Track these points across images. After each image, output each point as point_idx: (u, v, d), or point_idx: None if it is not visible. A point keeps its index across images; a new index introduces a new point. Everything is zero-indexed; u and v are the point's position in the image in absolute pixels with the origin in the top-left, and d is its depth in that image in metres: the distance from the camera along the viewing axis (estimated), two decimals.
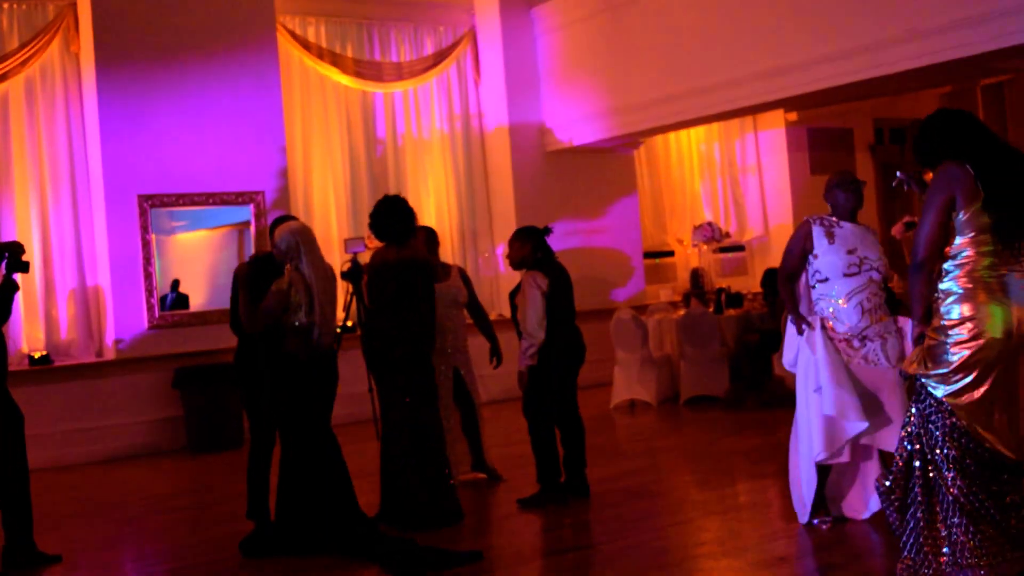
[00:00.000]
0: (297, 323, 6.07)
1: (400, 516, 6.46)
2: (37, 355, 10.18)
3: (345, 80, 12.35)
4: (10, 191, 10.52)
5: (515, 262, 7.09)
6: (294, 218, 6.69)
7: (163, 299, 10.82)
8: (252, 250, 11.14)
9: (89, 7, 10.56)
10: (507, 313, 9.17)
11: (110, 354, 10.57)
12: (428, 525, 6.35)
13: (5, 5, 10.61)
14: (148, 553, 6.73)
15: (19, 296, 10.27)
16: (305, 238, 6.20)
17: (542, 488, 6.91)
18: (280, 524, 6.23)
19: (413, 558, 5.69)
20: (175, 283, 10.98)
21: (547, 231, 7.10)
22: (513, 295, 7.25)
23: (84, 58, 10.78)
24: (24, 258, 6.33)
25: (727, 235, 14.46)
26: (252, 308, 6.12)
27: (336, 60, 12.30)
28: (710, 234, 13.98)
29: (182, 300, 10.99)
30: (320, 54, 12.20)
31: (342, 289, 7.65)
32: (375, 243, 6.97)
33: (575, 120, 12.83)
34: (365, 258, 7.74)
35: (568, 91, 12.94)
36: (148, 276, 10.63)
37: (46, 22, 10.73)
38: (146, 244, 10.64)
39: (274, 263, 6.25)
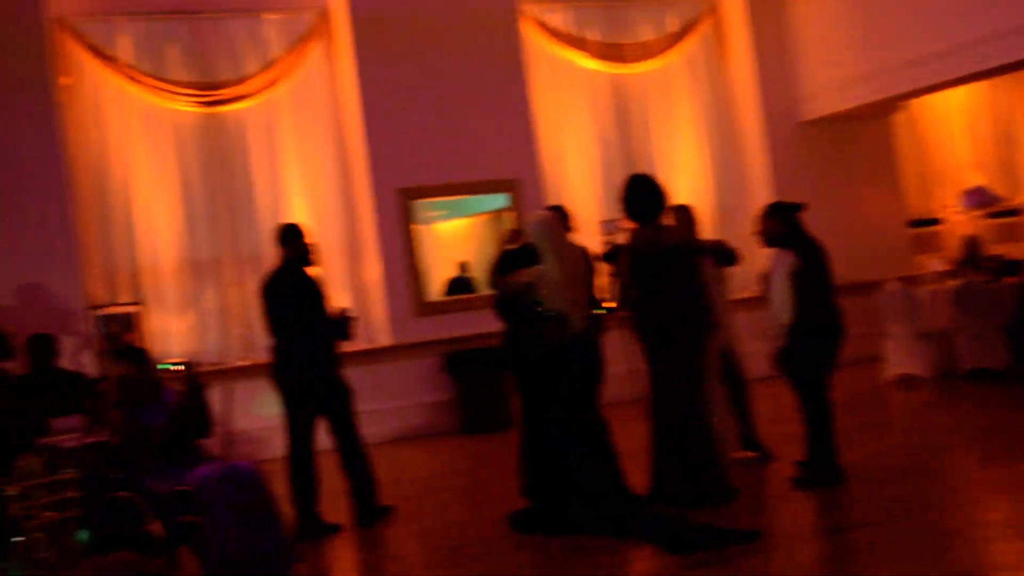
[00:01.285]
0: (549, 311, 6.23)
1: (671, 495, 6.47)
2: None
3: (591, 64, 12.44)
4: (282, 191, 11.17)
5: (764, 239, 6.96)
6: (561, 209, 6.87)
7: (452, 281, 11.35)
8: (509, 237, 11.40)
9: (347, 12, 11.09)
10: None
11: (383, 341, 11.08)
12: (699, 504, 6.33)
13: (267, 16, 11.26)
14: (427, 529, 7.02)
15: None
16: (551, 228, 6.35)
17: (816, 466, 6.75)
18: (549, 503, 6.37)
19: (688, 535, 5.68)
20: (463, 265, 11.48)
21: (797, 207, 6.92)
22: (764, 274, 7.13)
23: (344, 61, 11.32)
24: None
25: (1001, 199, 13.63)
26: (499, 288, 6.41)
27: (581, 44, 12.41)
28: (982, 198, 13.21)
29: (467, 283, 11.46)
30: (565, 39, 12.34)
31: (603, 271, 7.72)
32: (630, 224, 7.00)
33: (829, 88, 12.42)
34: (622, 239, 7.79)
35: (820, 58, 12.54)
36: (413, 265, 11.09)
37: (305, 29, 11.33)
38: (409, 234, 11.10)
39: (528, 251, 6.43)
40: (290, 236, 7.15)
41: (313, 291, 7.06)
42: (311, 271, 7.12)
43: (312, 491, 6.93)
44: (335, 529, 6.92)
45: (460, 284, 11.63)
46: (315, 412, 7.03)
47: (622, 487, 6.38)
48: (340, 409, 7.09)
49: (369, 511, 7.09)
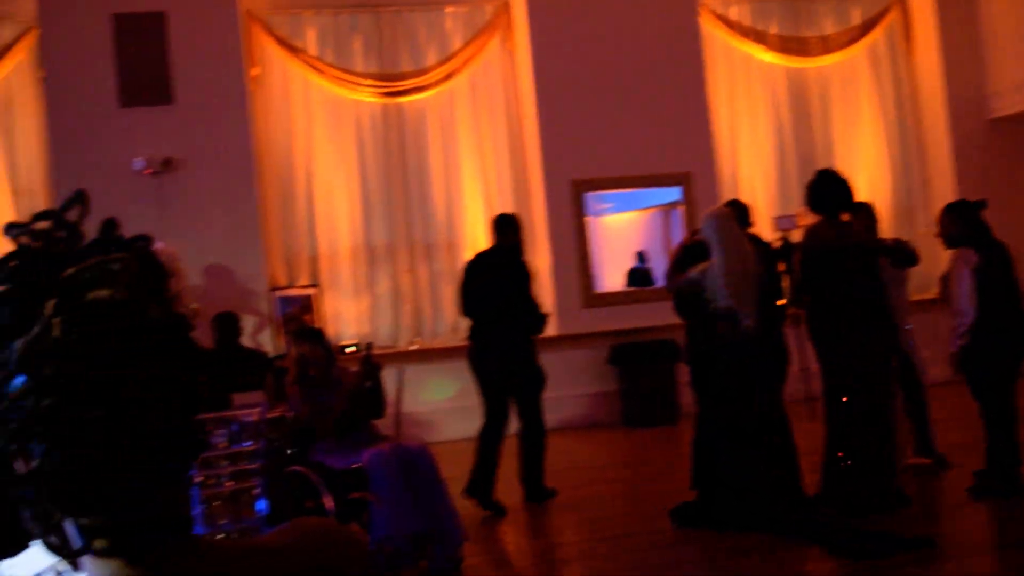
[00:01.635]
0: (719, 308, 6.19)
1: (843, 499, 6.32)
2: None
3: (770, 57, 12.23)
4: (456, 180, 11.36)
5: (945, 239, 6.73)
6: (739, 204, 6.82)
7: (631, 271, 11.42)
8: (681, 231, 11.36)
9: (525, 5, 11.20)
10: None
11: (550, 331, 11.15)
12: (872, 510, 6.17)
13: (448, 9, 11.47)
14: (589, 519, 7.06)
15: None
16: (722, 223, 6.30)
17: (995, 476, 6.49)
18: (715, 498, 6.33)
19: (859, 540, 5.56)
20: (640, 255, 11.51)
21: (980, 204, 6.67)
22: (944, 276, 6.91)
23: (521, 52, 11.44)
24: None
25: None
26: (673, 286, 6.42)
27: (761, 38, 12.20)
28: None
29: (645, 274, 11.49)
30: (744, 33, 12.16)
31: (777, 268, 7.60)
32: (805, 221, 6.87)
33: (1021, 84, 11.87)
34: (796, 236, 7.66)
35: (1012, 53, 11.99)
36: (583, 257, 11.13)
37: (484, 22, 11.50)
38: (580, 226, 11.14)
39: (703, 250, 6.40)
40: (504, 225, 7.61)
41: (520, 279, 7.46)
42: (518, 261, 7.54)
43: (492, 471, 7.32)
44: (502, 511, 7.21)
45: (639, 275, 11.66)
46: (508, 395, 7.41)
47: (795, 487, 6.29)
48: (532, 394, 7.46)
49: (537, 490, 7.45)
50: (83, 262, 1.11)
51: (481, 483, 7.28)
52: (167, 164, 10.27)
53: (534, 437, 7.47)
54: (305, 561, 1.24)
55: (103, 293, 1.07)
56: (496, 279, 7.43)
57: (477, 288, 7.44)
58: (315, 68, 11.06)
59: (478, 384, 7.49)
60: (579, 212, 11.20)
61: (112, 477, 1.08)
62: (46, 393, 1.04)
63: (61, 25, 10.38)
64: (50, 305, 1.07)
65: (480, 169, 11.42)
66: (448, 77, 11.32)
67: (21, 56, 10.67)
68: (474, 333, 7.51)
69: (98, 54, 10.33)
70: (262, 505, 5.65)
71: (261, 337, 10.27)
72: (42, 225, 1.12)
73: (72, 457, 1.06)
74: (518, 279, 7.46)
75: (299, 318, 8.51)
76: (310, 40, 11.14)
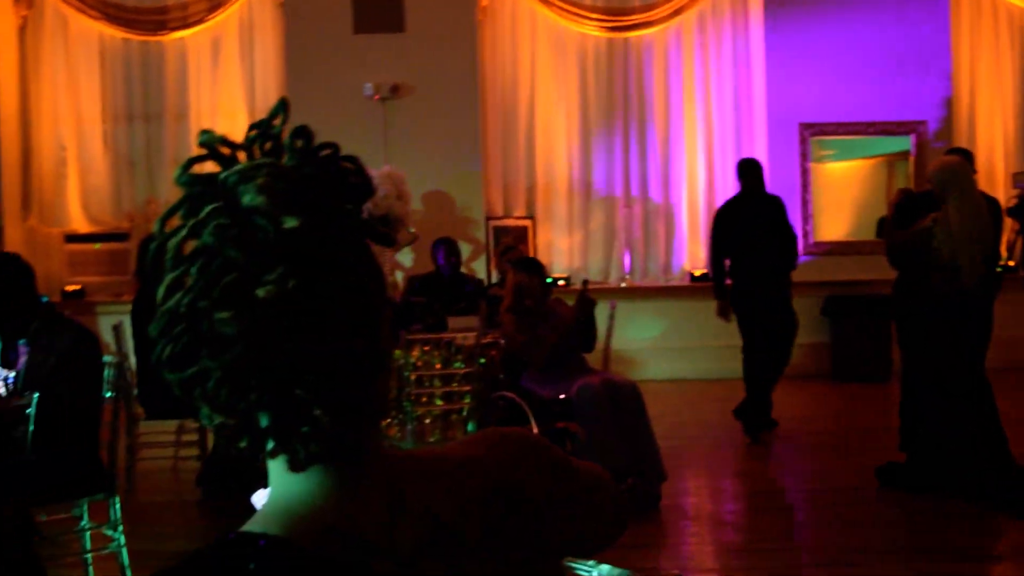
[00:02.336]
0: (941, 261, 5.92)
1: None
2: (698, 272, 10.91)
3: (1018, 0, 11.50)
4: (677, 118, 11.25)
5: None
6: (967, 153, 6.47)
7: (880, 220, 11.10)
8: (907, 182, 10.91)
9: None
10: None
11: None
12: None
13: None
14: (792, 471, 7.00)
15: (684, 215, 11.09)
16: (958, 175, 5.98)
17: None
18: (922, 461, 6.14)
19: None
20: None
21: None
22: None
23: None
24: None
25: None
26: (891, 238, 6.17)
27: None
28: None
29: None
30: None
31: (1007, 227, 7.25)
32: None
33: None
34: None
35: None
36: (804, 204, 10.86)
37: None
38: (804, 172, 10.86)
39: (929, 201, 6.12)
40: (747, 169, 7.94)
41: (764, 221, 7.72)
42: (764, 204, 7.86)
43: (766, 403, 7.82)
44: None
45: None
46: (762, 335, 7.75)
47: (1002, 453, 6.03)
48: (785, 335, 7.81)
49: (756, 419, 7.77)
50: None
51: (752, 410, 7.72)
52: (395, 90, 10.57)
53: (771, 376, 7.82)
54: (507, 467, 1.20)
55: (251, 199, 1.02)
56: (740, 222, 7.74)
57: (735, 232, 7.75)
58: (543, 0, 11.10)
59: (740, 323, 7.84)
60: (804, 157, 10.91)
61: (345, 371, 1.05)
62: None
63: None
64: (208, 209, 1.03)
65: (703, 108, 11.25)
66: (676, 13, 11.16)
67: None
68: (733, 275, 7.87)
69: None
70: (471, 427, 5.84)
71: (475, 265, 10.52)
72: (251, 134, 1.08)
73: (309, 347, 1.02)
74: (759, 220, 7.73)
75: (516, 248, 8.67)
76: None
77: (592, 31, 11.16)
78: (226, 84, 11.24)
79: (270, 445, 1.05)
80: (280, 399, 1.02)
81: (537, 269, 6.27)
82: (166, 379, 1.04)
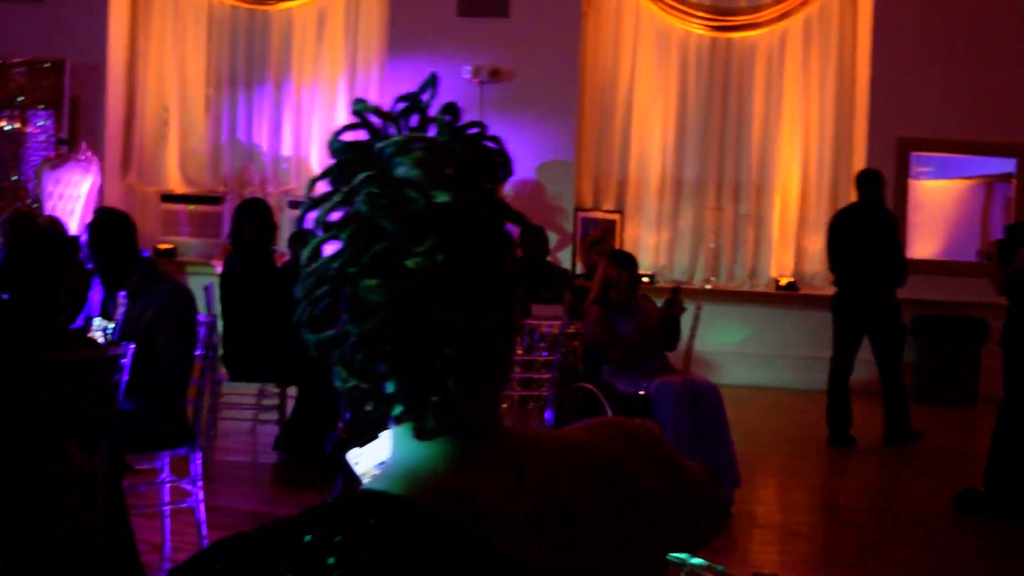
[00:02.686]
0: None
1: None
2: (784, 281, 10.77)
3: None
4: (776, 123, 11.10)
5: None
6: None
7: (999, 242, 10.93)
8: (1007, 206, 10.69)
9: None
10: None
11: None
12: None
13: None
14: (871, 487, 6.90)
15: (773, 224, 10.95)
16: None
17: None
18: (1007, 491, 6.01)
19: None
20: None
21: None
22: None
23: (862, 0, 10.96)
24: None
25: None
26: (1002, 269, 6.05)
27: None
28: None
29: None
30: None
31: None
32: None
33: None
34: None
35: None
36: (901, 220, 10.65)
37: None
38: (900, 188, 10.65)
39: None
40: (868, 180, 8.05)
41: (876, 233, 7.75)
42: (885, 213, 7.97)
43: (846, 412, 7.77)
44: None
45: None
46: (858, 348, 7.85)
47: None
48: (892, 348, 7.83)
49: (900, 430, 7.81)
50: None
51: (836, 423, 7.73)
52: (494, 74, 10.60)
53: (895, 388, 7.82)
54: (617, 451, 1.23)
55: (406, 171, 1.05)
56: (852, 232, 7.78)
57: (844, 242, 7.79)
58: None
59: (836, 332, 7.92)
60: (903, 172, 10.70)
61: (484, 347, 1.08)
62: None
63: None
64: (361, 177, 1.06)
65: (802, 114, 11.09)
66: (783, 16, 11.01)
67: None
68: (840, 283, 7.96)
69: None
70: (548, 415, 5.85)
71: (561, 255, 10.51)
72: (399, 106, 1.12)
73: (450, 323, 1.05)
74: (874, 232, 7.73)
75: (605, 240, 8.63)
76: None
77: (697, 29, 11.07)
78: (328, 57, 11.37)
79: (397, 410, 1.08)
80: (414, 367, 1.05)
81: (629, 264, 6.23)
82: (304, 339, 1.07)
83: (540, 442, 1.18)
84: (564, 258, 10.53)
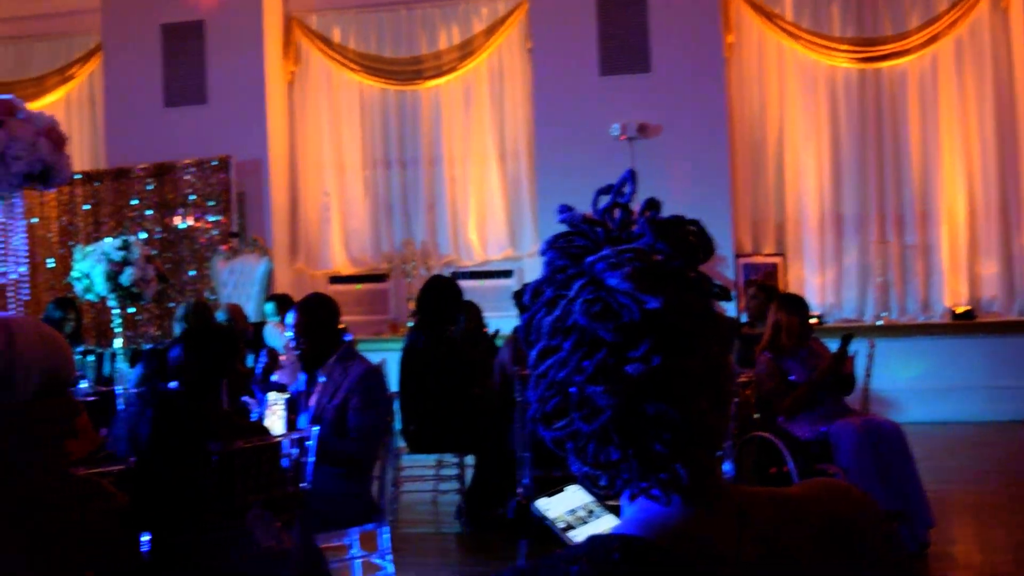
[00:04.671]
0: None
1: None
2: (959, 310, 10.41)
3: None
4: (935, 150, 10.77)
5: None
6: None
7: None
8: None
9: None
10: None
11: (1012, 316, 10.39)
12: None
13: None
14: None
15: (942, 252, 10.60)
16: None
17: None
18: None
19: None
20: None
21: None
22: None
23: (1015, 13, 10.60)
24: None
25: None
26: None
27: None
28: None
29: None
30: None
31: None
32: None
33: None
34: None
35: None
36: None
37: None
38: None
39: None
40: None
41: None
42: None
43: None
44: None
45: None
46: None
47: None
48: None
49: None
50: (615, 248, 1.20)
51: None
52: (642, 130, 10.64)
53: None
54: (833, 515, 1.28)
55: (617, 283, 1.15)
56: None
57: None
58: (790, 34, 10.94)
59: None
60: None
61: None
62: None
63: (549, 0, 11.06)
64: (578, 285, 1.17)
65: (962, 140, 10.75)
66: (931, 41, 10.74)
67: (512, 29, 11.50)
68: None
69: (581, 26, 10.89)
70: (728, 467, 5.77)
71: (724, 303, 10.39)
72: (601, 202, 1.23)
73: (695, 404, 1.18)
74: None
75: (771, 286, 8.50)
76: (786, 6, 11.01)
77: (842, 63, 10.90)
78: (477, 129, 11.63)
79: (633, 491, 1.21)
80: (641, 454, 1.17)
81: (799, 308, 6.12)
82: (540, 433, 1.22)
83: (763, 494, 1.27)
84: (729, 306, 10.40)
